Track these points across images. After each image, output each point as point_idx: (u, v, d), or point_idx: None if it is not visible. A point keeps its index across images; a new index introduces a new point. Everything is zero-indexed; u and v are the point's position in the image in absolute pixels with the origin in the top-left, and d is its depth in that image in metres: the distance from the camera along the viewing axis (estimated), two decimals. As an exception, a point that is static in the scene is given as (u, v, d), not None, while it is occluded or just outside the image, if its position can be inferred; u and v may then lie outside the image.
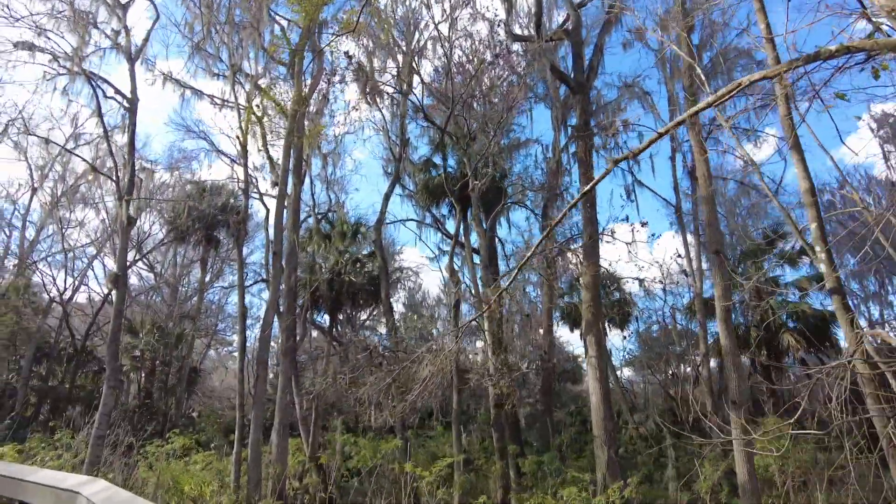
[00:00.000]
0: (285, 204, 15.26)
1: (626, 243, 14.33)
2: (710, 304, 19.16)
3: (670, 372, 31.18)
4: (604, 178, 5.69)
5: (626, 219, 14.79)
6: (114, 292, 14.49)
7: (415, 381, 7.51)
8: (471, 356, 24.20)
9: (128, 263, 22.85)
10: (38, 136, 15.11)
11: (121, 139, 16.21)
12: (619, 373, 32.28)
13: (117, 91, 15.26)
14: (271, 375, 25.35)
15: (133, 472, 15.35)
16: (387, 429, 26.13)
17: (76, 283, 28.38)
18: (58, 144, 15.31)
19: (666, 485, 14.87)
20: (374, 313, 36.96)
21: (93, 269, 29.86)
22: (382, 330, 37.83)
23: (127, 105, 14.83)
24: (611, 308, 26.59)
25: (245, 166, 14.88)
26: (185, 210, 21.74)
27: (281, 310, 15.45)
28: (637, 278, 15.30)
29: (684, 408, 22.89)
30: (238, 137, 14.92)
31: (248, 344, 17.93)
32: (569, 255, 21.42)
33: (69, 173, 29.03)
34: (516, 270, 6.53)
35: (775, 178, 27.83)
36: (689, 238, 20.51)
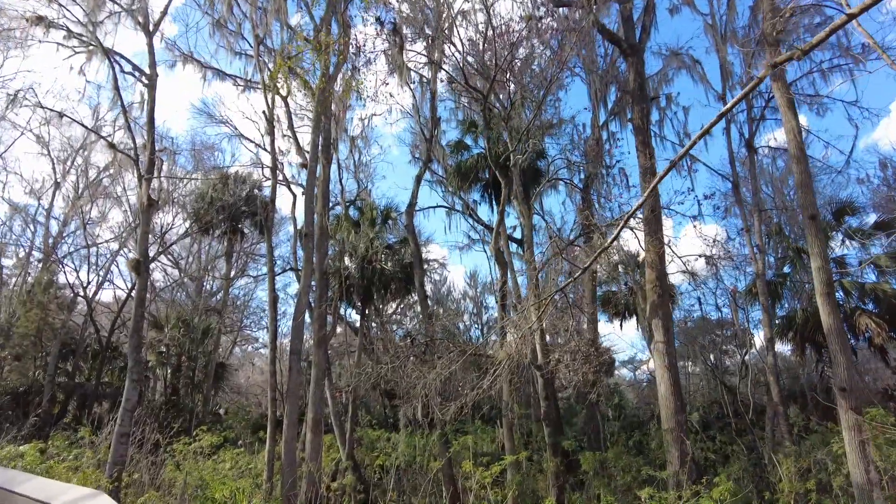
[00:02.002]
0: (315, 184, 14.20)
1: (692, 217, 12.97)
2: (773, 285, 17.68)
3: (713, 361, 29.58)
4: (741, 99, 4.46)
5: (690, 190, 13.47)
6: (136, 281, 13.58)
7: (491, 364, 6.36)
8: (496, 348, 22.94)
9: (151, 256, 22.10)
10: (50, 110, 14.28)
11: (141, 121, 15.30)
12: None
13: (135, 67, 14.35)
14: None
15: (160, 472, 14.49)
16: (417, 425, 25.05)
17: (100, 278, 27.83)
18: (74, 120, 14.46)
19: (737, 482, 13.46)
20: (402, 306, 35.88)
21: (117, 265, 29.31)
22: (408, 324, 36.81)
23: (146, 81, 13.90)
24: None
25: (272, 143, 13.86)
26: (209, 193, 20.85)
27: (312, 297, 14.44)
28: (705, 255, 13.96)
29: (741, 400, 21.37)
30: (264, 113, 13.90)
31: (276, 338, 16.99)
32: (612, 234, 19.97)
33: (91, 168, 28.54)
34: (609, 243, 5.30)
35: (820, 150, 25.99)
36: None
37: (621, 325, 28.95)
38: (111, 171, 26.93)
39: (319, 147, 14.32)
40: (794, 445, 13.40)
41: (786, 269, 20.30)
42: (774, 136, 18.63)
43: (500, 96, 17.28)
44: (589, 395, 20.17)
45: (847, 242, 17.92)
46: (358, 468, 16.44)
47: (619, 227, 5.51)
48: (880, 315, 15.58)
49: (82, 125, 15.51)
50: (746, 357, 27.01)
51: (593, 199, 20.70)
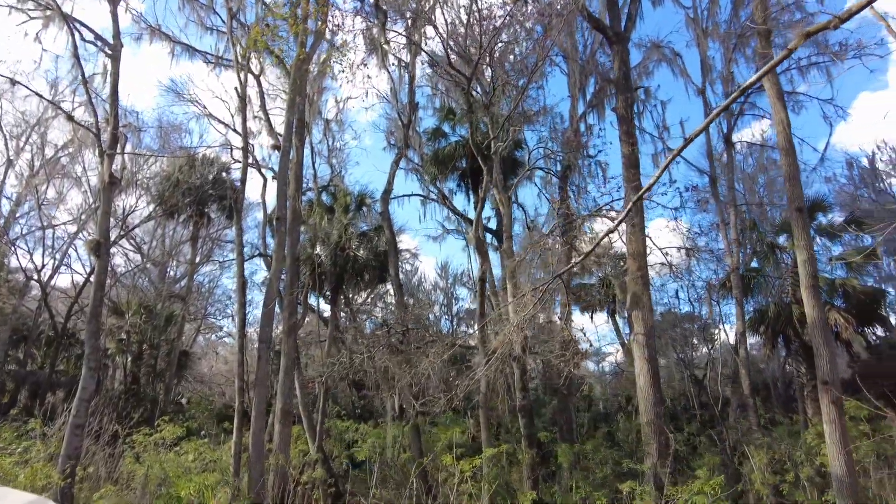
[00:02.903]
0: (288, 165, 13.62)
1: (673, 209, 12.86)
2: (745, 280, 17.86)
3: (681, 353, 30.02)
4: (759, 80, 4.22)
5: (672, 182, 13.34)
6: (95, 264, 12.82)
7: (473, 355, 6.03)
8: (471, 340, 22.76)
9: (112, 238, 21.07)
10: (1, 76, 13.27)
11: (103, 94, 14.38)
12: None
13: (98, 36, 13.47)
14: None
15: (118, 465, 13.80)
16: (392, 416, 24.69)
17: (56, 261, 26.52)
18: (30, 89, 13.40)
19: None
20: (372, 296, 35.34)
21: (74, 248, 27.98)
22: (378, 314, 36.29)
23: (109, 52, 13.05)
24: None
25: (244, 122, 13.20)
26: (175, 174, 19.97)
27: (282, 285, 13.90)
28: (685, 248, 13.92)
29: (709, 392, 21.61)
30: (236, 89, 13.22)
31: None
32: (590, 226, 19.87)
33: (48, 145, 27.11)
34: (616, 226, 5.04)
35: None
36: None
37: (592, 317, 29.16)
38: (70, 149, 25.64)
39: (294, 127, 13.73)
40: (765, 437, 13.50)
41: (753, 264, 20.56)
42: (752, 132, 18.60)
43: (482, 82, 16.94)
44: (559, 386, 20.16)
45: (816, 239, 18.16)
46: (327, 460, 15.99)
47: (618, 220, 5.24)
48: (848, 310, 15.85)
49: (38, 95, 14.48)
50: (713, 350, 27.49)
51: (571, 190, 20.60)
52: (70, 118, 12.59)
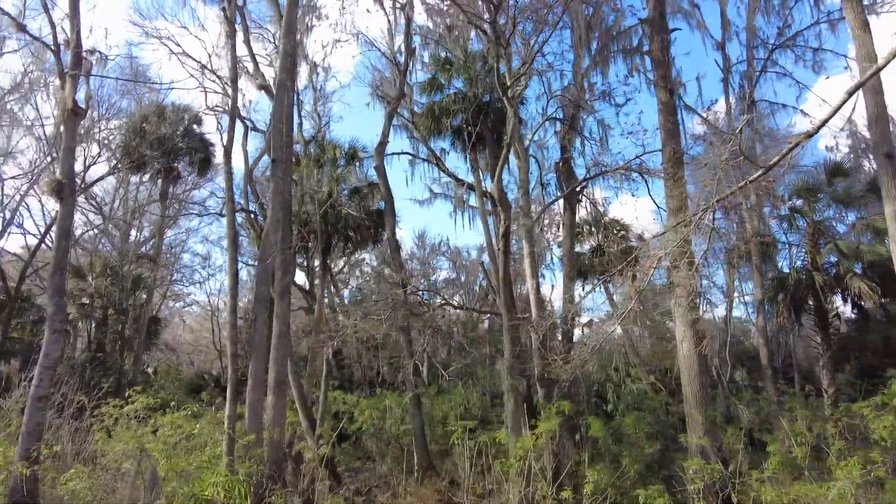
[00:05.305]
0: (283, 101, 11.92)
1: (704, 165, 11.80)
2: (764, 246, 17.08)
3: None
4: None
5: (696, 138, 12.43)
6: (56, 211, 11.03)
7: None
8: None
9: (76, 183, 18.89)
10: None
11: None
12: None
13: (53, -57, 11.36)
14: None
15: (85, 440, 12.25)
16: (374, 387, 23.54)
17: (6, 219, 24.00)
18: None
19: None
20: (349, 265, 33.64)
21: (26, 206, 25.46)
22: (353, 283, 34.75)
23: (68, -40, 10.99)
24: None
25: (233, 49, 11.42)
26: (140, 124, 17.91)
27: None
28: (726, 206, 12.97)
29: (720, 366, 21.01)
30: (224, 10, 11.38)
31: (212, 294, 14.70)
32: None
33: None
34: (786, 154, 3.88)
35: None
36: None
37: (582, 286, 28.28)
38: (23, 89, 22.99)
39: (287, 60, 12.01)
40: (801, 408, 12.76)
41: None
42: (775, 90, 17.47)
43: (494, 25, 15.45)
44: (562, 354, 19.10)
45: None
46: (321, 435, 14.72)
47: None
48: (871, 278, 15.21)
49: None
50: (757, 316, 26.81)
51: (575, 146, 19.39)
52: (21, 27, 10.43)
